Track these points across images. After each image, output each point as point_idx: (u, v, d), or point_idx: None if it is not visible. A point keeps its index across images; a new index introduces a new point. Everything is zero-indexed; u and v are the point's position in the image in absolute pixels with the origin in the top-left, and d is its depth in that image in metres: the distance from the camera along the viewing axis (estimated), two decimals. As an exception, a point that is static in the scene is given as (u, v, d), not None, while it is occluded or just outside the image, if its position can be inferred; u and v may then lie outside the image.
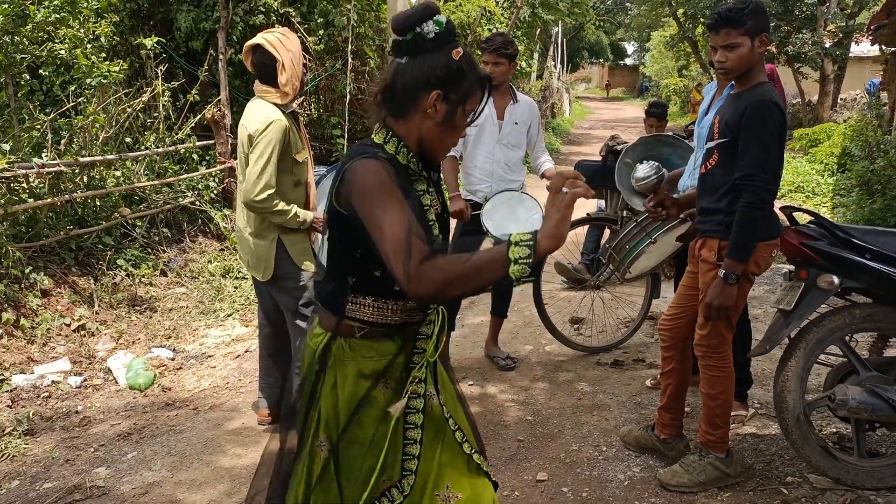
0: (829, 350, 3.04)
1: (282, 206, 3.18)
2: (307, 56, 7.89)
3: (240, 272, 6.07)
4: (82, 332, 4.78)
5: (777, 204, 2.84)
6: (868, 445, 3.08)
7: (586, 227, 5.84)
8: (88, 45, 6.08)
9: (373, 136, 1.68)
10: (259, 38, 3.21)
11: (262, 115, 3.16)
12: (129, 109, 6.42)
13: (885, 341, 3.20)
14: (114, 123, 6.29)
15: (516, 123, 4.16)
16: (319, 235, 3.48)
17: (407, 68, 1.60)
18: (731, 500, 2.93)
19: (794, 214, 3.09)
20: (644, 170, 4.09)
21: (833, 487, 2.95)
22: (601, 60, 50.08)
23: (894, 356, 3.05)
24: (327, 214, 1.69)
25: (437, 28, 1.58)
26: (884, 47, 12.61)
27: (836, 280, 2.83)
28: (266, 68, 3.21)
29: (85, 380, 4.27)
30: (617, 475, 3.16)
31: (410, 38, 1.59)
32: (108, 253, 5.56)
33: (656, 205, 3.20)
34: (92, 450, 3.49)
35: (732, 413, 3.28)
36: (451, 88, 1.61)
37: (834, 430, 3.46)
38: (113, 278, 5.41)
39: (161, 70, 6.85)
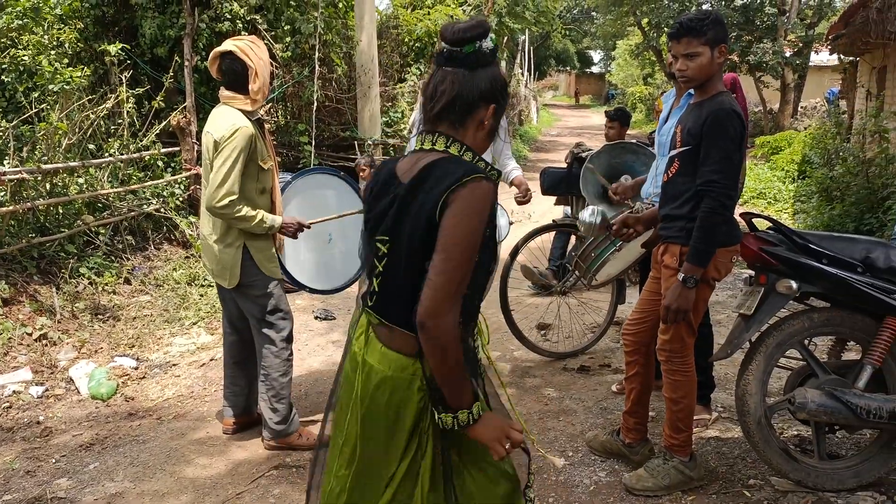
0: (789, 354, 3.10)
1: (245, 211, 3.15)
2: (274, 63, 7.85)
3: (206, 280, 6.00)
4: (44, 342, 4.68)
5: (737, 210, 2.90)
6: (828, 448, 3.15)
7: (553, 234, 5.90)
8: (52, 52, 6.00)
9: (432, 145, 1.69)
10: (229, 45, 3.21)
11: (229, 122, 3.15)
12: (92, 116, 6.33)
13: (843, 345, 3.28)
14: (77, 130, 6.20)
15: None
16: (287, 241, 3.46)
17: (468, 81, 1.66)
18: None
19: (754, 221, 3.16)
20: (585, 219, 3.93)
21: (794, 489, 3.01)
22: (568, 68, 50.62)
23: (852, 359, 3.12)
24: (412, 232, 1.62)
25: (491, 45, 1.67)
26: (842, 56, 12.95)
27: (794, 285, 2.89)
28: (236, 75, 3.21)
29: (46, 389, 4.18)
30: (583, 480, 3.19)
31: (469, 51, 1.65)
32: (71, 261, 5.46)
33: (621, 227, 3.24)
34: (53, 461, 3.42)
35: (696, 417, 3.34)
36: (500, 102, 1.72)
37: (795, 432, 3.53)
38: (75, 287, 5.31)
39: (125, 76, 6.77)
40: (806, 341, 3.04)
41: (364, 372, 1.73)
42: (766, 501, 2.96)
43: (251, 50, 3.20)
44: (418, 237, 1.61)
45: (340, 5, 9.13)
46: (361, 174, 6.79)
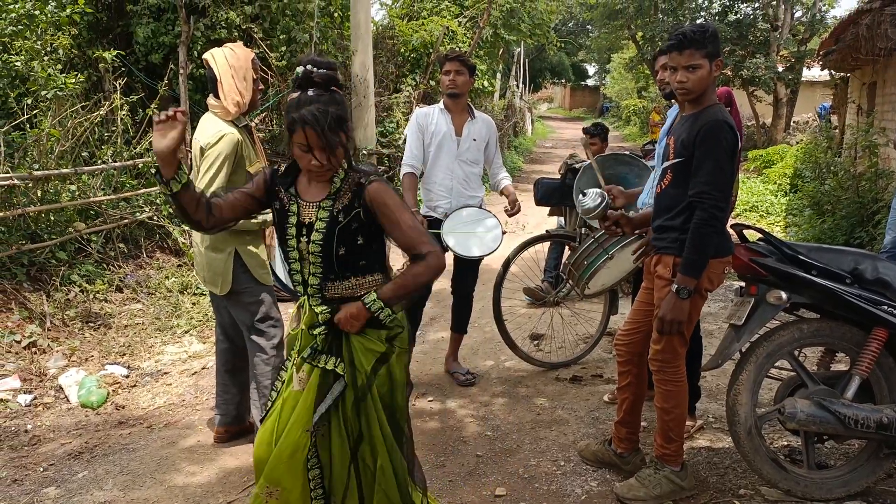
0: (779, 364, 3.11)
1: None
2: (269, 72, 7.86)
3: (198, 288, 5.99)
4: (33, 349, 4.66)
5: (729, 222, 2.92)
6: (817, 457, 3.16)
7: (547, 245, 5.91)
8: (45, 58, 5.98)
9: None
10: (207, 54, 3.25)
11: (214, 129, 3.17)
12: (86, 123, 6.32)
13: (833, 356, 3.30)
14: (70, 137, 6.19)
15: (475, 140, 4.21)
16: (277, 249, 3.46)
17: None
18: (685, 513, 2.98)
19: (745, 232, 3.18)
20: (589, 201, 3.89)
21: (784, 499, 3.02)
22: (563, 81, 50.78)
23: (841, 370, 3.14)
24: None
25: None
26: (833, 72, 13.06)
27: (784, 296, 2.91)
28: (210, 83, 3.25)
29: (35, 398, 4.16)
30: (574, 489, 3.19)
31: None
32: (62, 268, 5.44)
33: (611, 224, 3.26)
34: (41, 469, 3.40)
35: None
36: None
37: (785, 443, 3.54)
38: (66, 294, 5.29)
39: (120, 84, 6.76)
40: (795, 352, 3.06)
41: None
42: (757, 512, 2.97)
43: (222, 57, 3.22)
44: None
45: (336, 15, 9.16)
46: None
